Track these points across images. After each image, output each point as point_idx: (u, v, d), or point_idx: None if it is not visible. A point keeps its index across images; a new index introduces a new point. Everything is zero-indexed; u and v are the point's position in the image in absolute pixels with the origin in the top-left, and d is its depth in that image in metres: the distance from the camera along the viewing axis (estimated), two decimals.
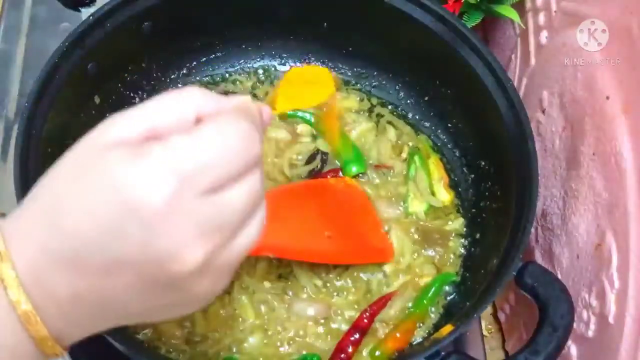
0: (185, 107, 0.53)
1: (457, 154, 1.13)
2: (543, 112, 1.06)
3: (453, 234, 1.06)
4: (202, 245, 0.50)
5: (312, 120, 1.14)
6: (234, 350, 0.95)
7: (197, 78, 1.18)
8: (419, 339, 0.98)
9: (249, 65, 1.20)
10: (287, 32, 1.17)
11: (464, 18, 1.12)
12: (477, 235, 1.05)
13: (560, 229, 1.00)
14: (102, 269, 0.50)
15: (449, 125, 1.14)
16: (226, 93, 1.18)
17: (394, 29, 1.09)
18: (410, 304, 1.00)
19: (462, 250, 1.05)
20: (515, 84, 1.11)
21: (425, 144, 1.14)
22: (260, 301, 0.98)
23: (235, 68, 1.20)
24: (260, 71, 1.20)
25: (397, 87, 1.18)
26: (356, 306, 0.99)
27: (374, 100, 1.19)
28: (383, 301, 0.98)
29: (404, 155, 1.13)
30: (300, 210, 1.01)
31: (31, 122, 0.89)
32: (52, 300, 0.52)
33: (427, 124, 1.17)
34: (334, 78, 1.17)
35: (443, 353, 0.84)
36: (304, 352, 0.95)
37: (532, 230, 0.89)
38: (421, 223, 1.07)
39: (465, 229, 1.07)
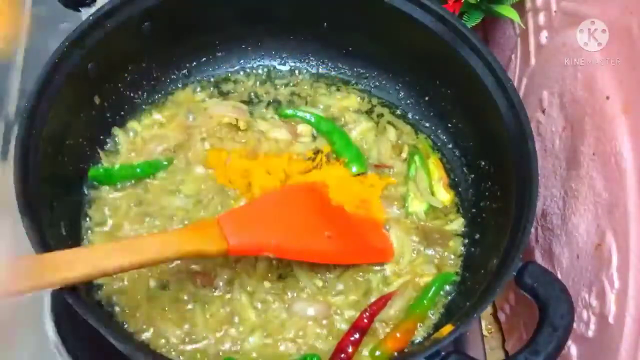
0: None
1: (457, 154, 1.13)
2: (543, 112, 1.06)
3: (453, 234, 1.06)
4: None
5: (313, 120, 1.14)
6: (234, 350, 0.95)
7: (197, 78, 1.18)
8: (419, 339, 0.98)
9: (249, 65, 1.20)
10: (287, 32, 1.17)
11: (464, 18, 1.12)
12: (477, 235, 1.05)
13: (560, 229, 1.00)
14: None
15: (449, 125, 1.14)
16: (226, 93, 1.18)
17: (394, 29, 1.09)
18: (410, 304, 1.00)
19: (462, 250, 1.05)
20: (515, 84, 1.11)
21: (425, 144, 1.14)
22: (260, 301, 0.98)
23: (235, 68, 1.20)
24: (261, 71, 1.20)
25: (397, 87, 1.19)
26: (356, 306, 0.99)
27: (374, 100, 1.19)
28: (383, 301, 0.98)
29: (404, 155, 1.13)
30: (300, 210, 1.01)
31: (31, 122, 0.89)
32: None
33: (427, 124, 1.17)
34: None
35: (443, 353, 0.84)
36: (304, 352, 0.95)
37: (532, 230, 0.89)
38: (421, 223, 1.07)
39: (465, 229, 1.07)
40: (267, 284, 0.99)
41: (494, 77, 0.99)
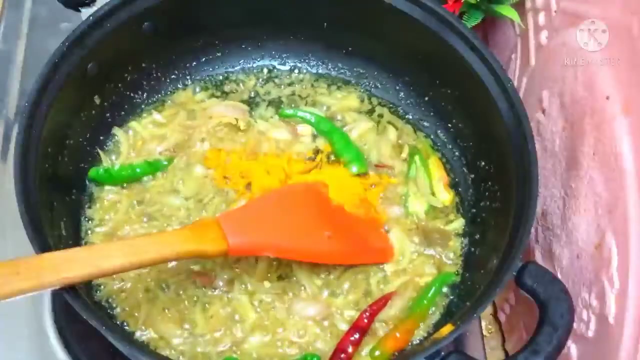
0: None
1: (457, 154, 1.13)
2: (543, 112, 1.06)
3: (453, 234, 1.06)
4: None
5: (313, 120, 1.14)
6: (234, 350, 0.95)
7: (197, 78, 1.18)
8: (419, 339, 0.98)
9: (249, 65, 1.20)
10: (287, 32, 1.17)
11: (464, 18, 1.12)
12: (477, 235, 1.05)
13: (560, 229, 1.00)
14: None
15: (449, 125, 1.14)
16: (226, 93, 1.18)
17: (394, 29, 1.09)
18: (410, 304, 1.00)
19: (462, 251, 1.05)
20: (515, 84, 1.11)
21: (425, 144, 1.14)
22: (260, 301, 0.98)
23: (235, 68, 1.20)
24: (261, 71, 1.20)
25: (397, 87, 1.19)
26: (356, 306, 0.99)
27: (375, 100, 1.19)
28: (383, 301, 0.98)
29: (404, 155, 1.13)
30: (300, 210, 1.00)
31: (31, 122, 0.89)
32: None
33: (427, 124, 1.17)
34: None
35: (443, 353, 0.84)
36: (304, 352, 0.95)
37: (532, 230, 0.89)
38: (421, 223, 1.07)
39: (465, 229, 1.07)
40: (267, 284, 0.99)
41: (494, 77, 0.99)
